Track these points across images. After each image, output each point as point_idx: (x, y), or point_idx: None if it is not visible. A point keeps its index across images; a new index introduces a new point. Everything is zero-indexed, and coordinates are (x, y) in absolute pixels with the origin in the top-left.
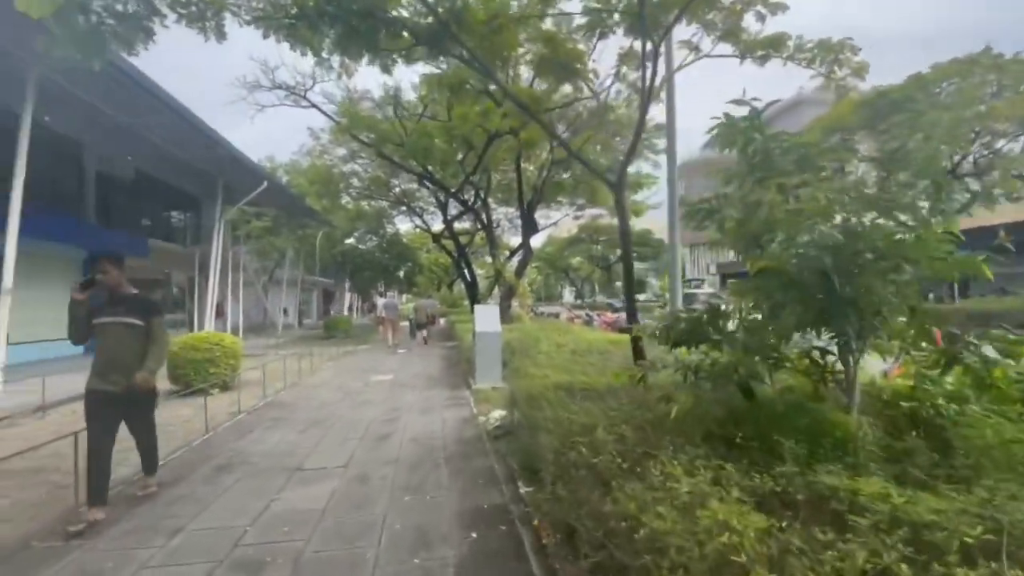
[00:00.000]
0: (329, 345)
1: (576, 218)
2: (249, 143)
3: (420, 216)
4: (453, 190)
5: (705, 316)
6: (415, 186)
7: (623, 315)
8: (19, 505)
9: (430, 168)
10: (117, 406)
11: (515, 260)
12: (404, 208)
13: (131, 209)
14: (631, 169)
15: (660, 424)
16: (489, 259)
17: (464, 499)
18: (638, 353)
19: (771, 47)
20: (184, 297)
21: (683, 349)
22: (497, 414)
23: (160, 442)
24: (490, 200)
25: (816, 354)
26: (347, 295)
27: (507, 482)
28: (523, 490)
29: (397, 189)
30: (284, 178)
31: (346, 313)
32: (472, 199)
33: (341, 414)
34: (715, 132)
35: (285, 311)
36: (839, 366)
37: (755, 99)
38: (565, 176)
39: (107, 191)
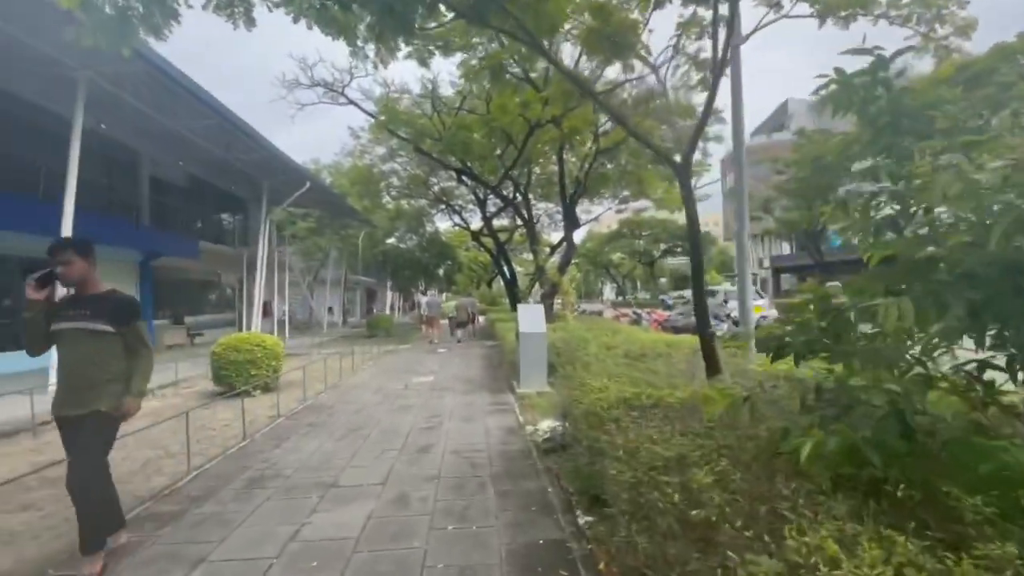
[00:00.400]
0: (371, 344)
1: (619, 212)
2: (294, 147)
3: (459, 214)
4: (492, 185)
5: (823, 319)
6: (453, 184)
7: (673, 313)
8: (52, 518)
9: (469, 163)
10: None
11: (556, 256)
12: (443, 206)
13: (182, 212)
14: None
15: (768, 461)
16: (529, 256)
17: (515, 532)
18: (711, 362)
19: (858, 5)
20: (234, 297)
21: (788, 361)
22: (546, 425)
23: (199, 447)
24: (530, 195)
25: (971, 369)
26: (389, 294)
27: (564, 511)
28: (582, 520)
29: (436, 187)
30: (327, 179)
31: (388, 312)
32: (512, 194)
33: (380, 419)
34: (822, 94)
35: (330, 310)
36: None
37: (878, 47)
38: (609, 167)
39: (160, 195)
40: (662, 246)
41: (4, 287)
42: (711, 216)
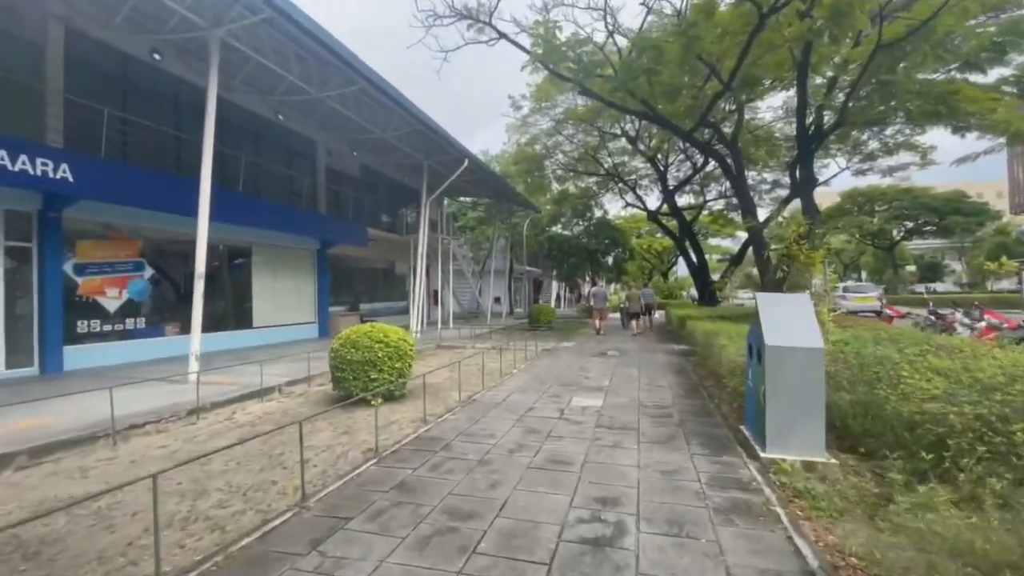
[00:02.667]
0: (531, 337)
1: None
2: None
3: (633, 191)
4: (687, 131)
5: None
6: (627, 156)
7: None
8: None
9: (654, 105)
10: None
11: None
12: (615, 184)
13: (355, 201)
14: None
15: None
16: (715, 241)
17: None
18: None
19: None
20: (407, 285)
21: None
22: None
23: (240, 505)
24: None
25: None
26: (553, 284)
27: None
28: None
29: (607, 162)
30: (496, 168)
31: (553, 303)
32: (712, 137)
33: (509, 494)
34: None
35: (497, 299)
36: None
37: None
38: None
39: (334, 184)
40: (906, 225)
41: (214, 273)
42: (984, 186)
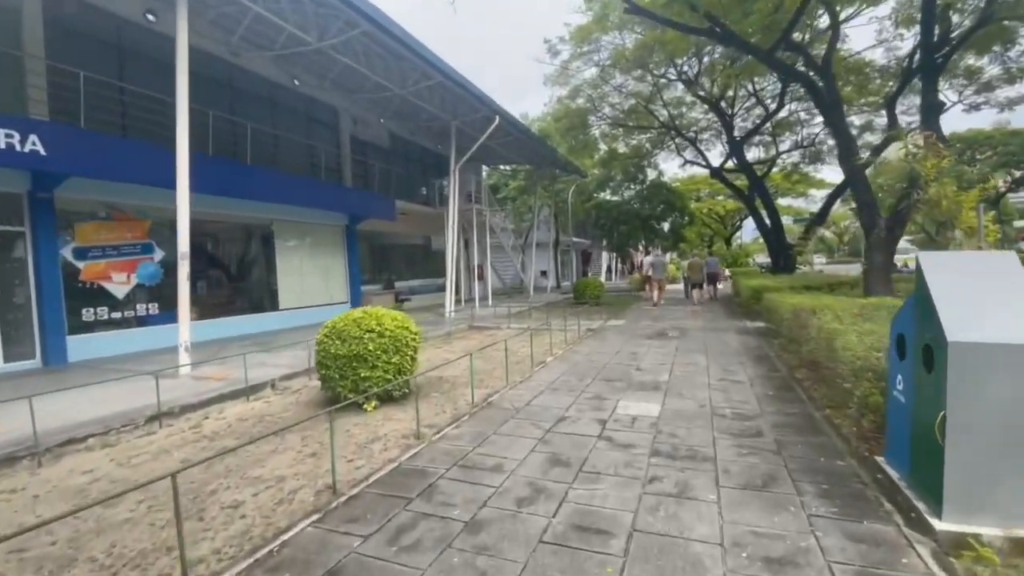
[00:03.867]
0: (575, 315)
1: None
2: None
3: (693, 144)
4: (766, 51)
5: None
6: (684, 109)
7: None
8: None
9: (719, 17)
10: None
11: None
12: (671, 139)
13: (383, 173)
14: None
15: None
16: (791, 201)
17: None
18: None
19: None
20: (442, 259)
21: None
22: None
23: None
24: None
25: None
26: (603, 255)
27: None
28: None
29: (662, 114)
30: (535, 131)
31: (604, 275)
32: (797, 62)
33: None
34: None
35: (543, 273)
36: None
37: None
38: None
39: (360, 155)
40: (1013, 174)
41: (235, 254)
42: None
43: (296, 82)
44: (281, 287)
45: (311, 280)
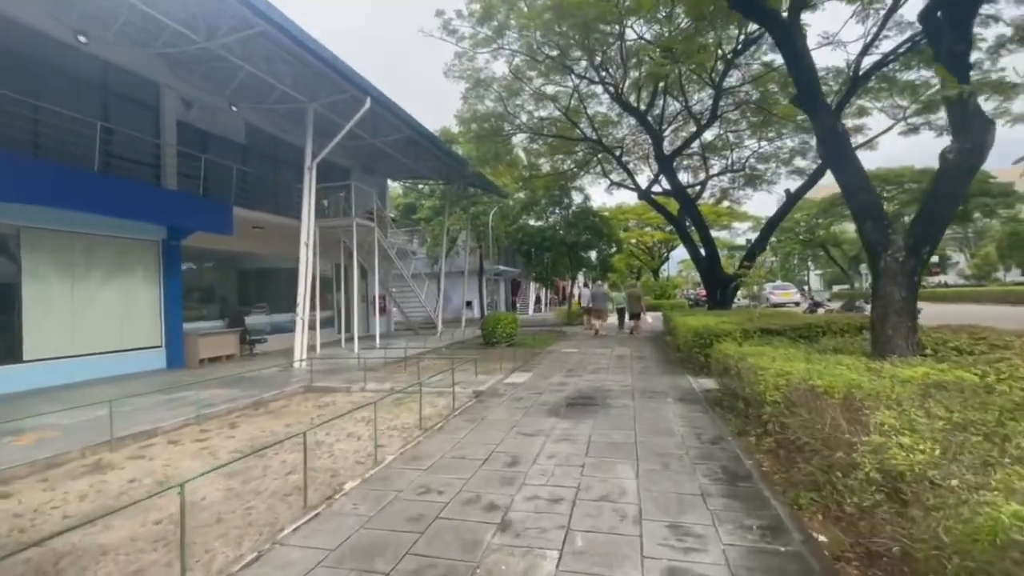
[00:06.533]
0: (473, 362)
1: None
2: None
3: (619, 160)
4: None
5: None
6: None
7: None
8: None
9: None
10: None
11: None
12: (594, 158)
13: (230, 173)
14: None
15: None
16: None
17: None
18: None
19: None
20: (333, 289)
21: None
22: None
23: None
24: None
25: None
26: (531, 285)
27: None
28: None
29: (587, 127)
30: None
31: (532, 307)
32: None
33: None
34: None
35: (468, 304)
36: None
37: None
38: None
39: (199, 148)
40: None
41: None
42: (1006, 172)
43: (81, 38)
44: (29, 327)
45: (93, 317)
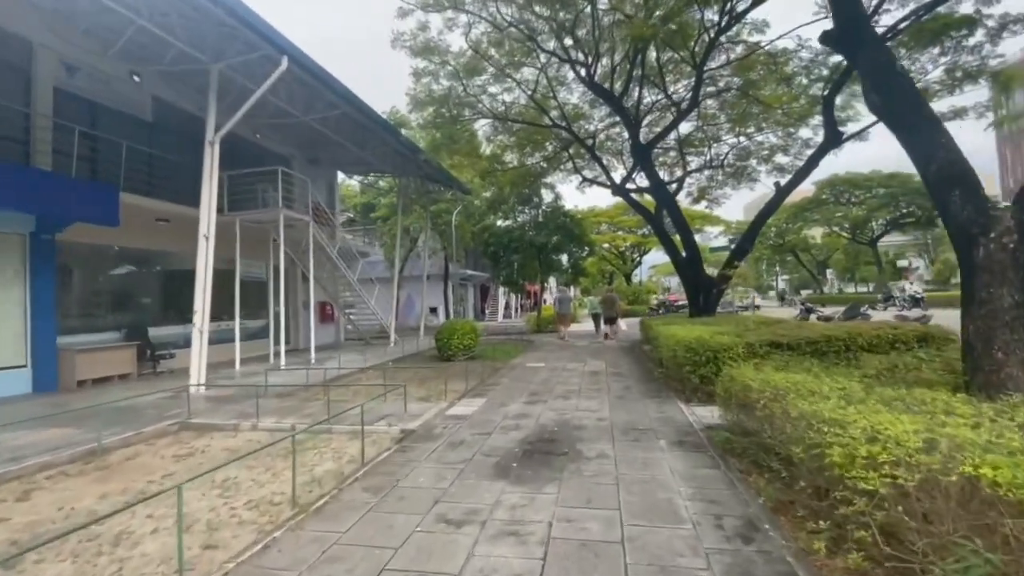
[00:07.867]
0: (419, 385)
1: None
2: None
3: (592, 152)
4: None
5: None
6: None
7: None
8: None
9: None
10: None
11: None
12: (568, 152)
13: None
14: None
15: None
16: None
17: None
18: None
19: None
20: (266, 293)
21: None
22: None
23: None
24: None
25: None
26: (500, 290)
27: None
28: None
29: (556, 114)
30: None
31: (501, 313)
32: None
33: None
34: None
35: (433, 311)
36: None
37: None
38: None
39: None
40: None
41: None
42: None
43: None
44: None
45: None
